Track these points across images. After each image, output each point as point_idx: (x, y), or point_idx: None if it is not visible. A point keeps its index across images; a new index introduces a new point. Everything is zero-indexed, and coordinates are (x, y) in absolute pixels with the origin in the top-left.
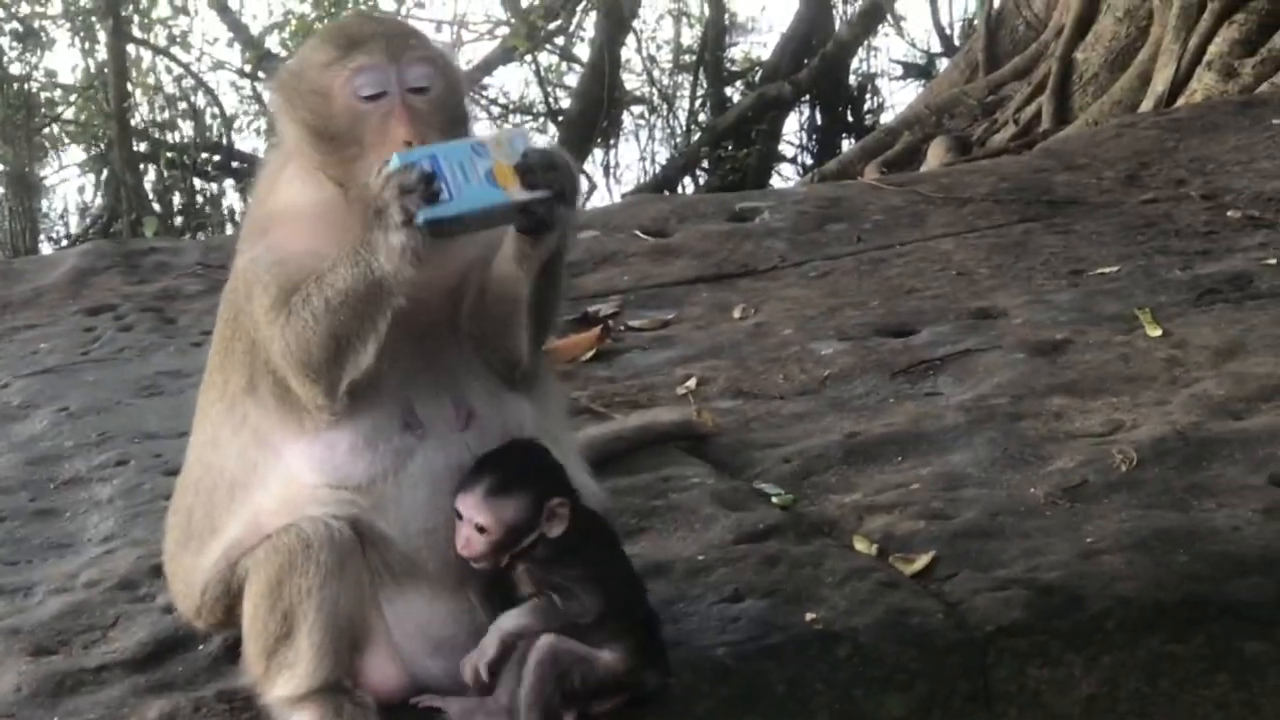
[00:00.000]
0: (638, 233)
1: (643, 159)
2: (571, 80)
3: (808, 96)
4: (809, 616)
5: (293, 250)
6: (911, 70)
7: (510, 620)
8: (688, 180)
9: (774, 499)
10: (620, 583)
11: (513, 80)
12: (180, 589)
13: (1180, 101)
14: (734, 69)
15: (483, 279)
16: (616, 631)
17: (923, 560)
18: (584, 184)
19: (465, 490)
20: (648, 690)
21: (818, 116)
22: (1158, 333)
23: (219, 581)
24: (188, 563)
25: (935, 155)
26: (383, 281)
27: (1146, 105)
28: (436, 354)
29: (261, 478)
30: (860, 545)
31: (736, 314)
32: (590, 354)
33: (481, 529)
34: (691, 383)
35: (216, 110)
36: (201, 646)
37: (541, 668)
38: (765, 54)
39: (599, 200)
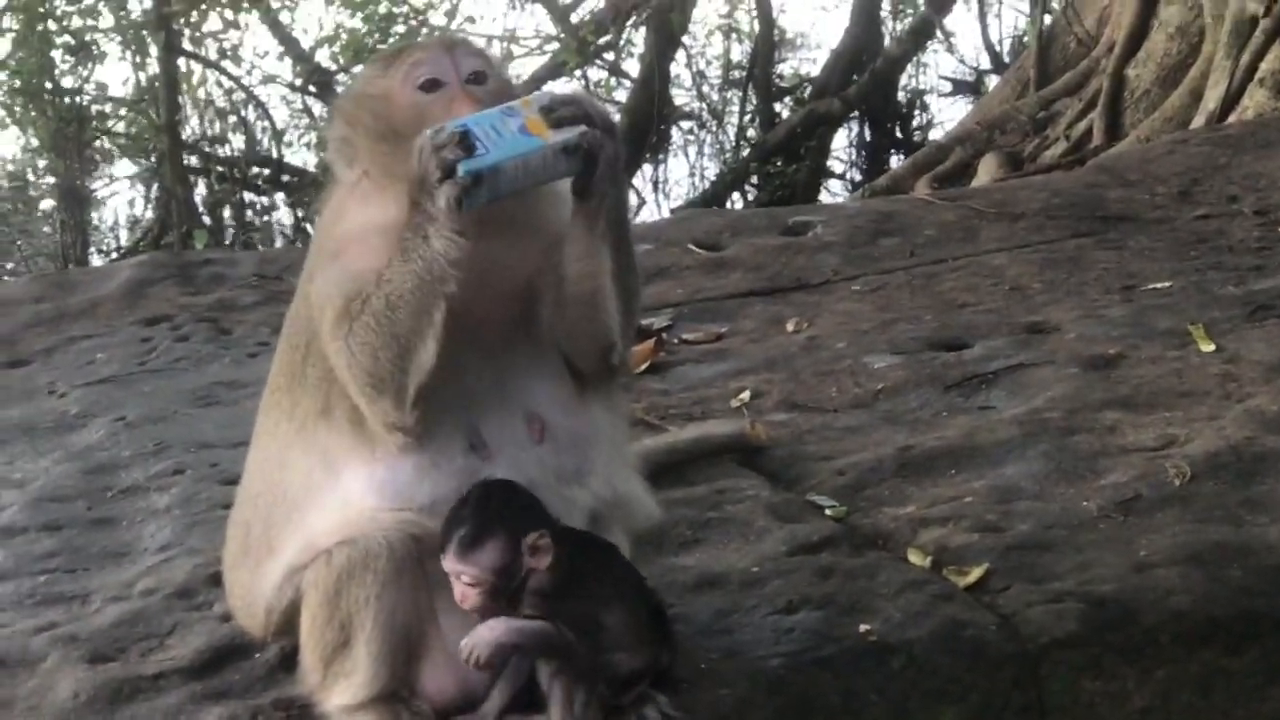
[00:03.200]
0: (691, 246)
1: (692, 174)
2: (621, 95)
3: (857, 113)
4: (863, 628)
5: (361, 268)
6: (961, 87)
7: (514, 634)
8: (736, 196)
9: (828, 511)
10: (626, 592)
11: None
12: (240, 604)
13: (1232, 118)
14: (783, 85)
15: (558, 268)
16: (630, 632)
17: (977, 573)
18: (632, 197)
19: (445, 548)
20: (664, 665)
21: (867, 133)
22: (1211, 348)
23: (279, 602)
24: (245, 578)
25: (986, 171)
26: (434, 263)
27: (1198, 122)
28: (506, 369)
29: (320, 501)
30: (914, 557)
31: (790, 327)
32: (644, 367)
33: (471, 582)
34: (745, 395)
35: (267, 124)
36: (258, 655)
37: (566, 689)
38: (815, 70)
39: (648, 215)
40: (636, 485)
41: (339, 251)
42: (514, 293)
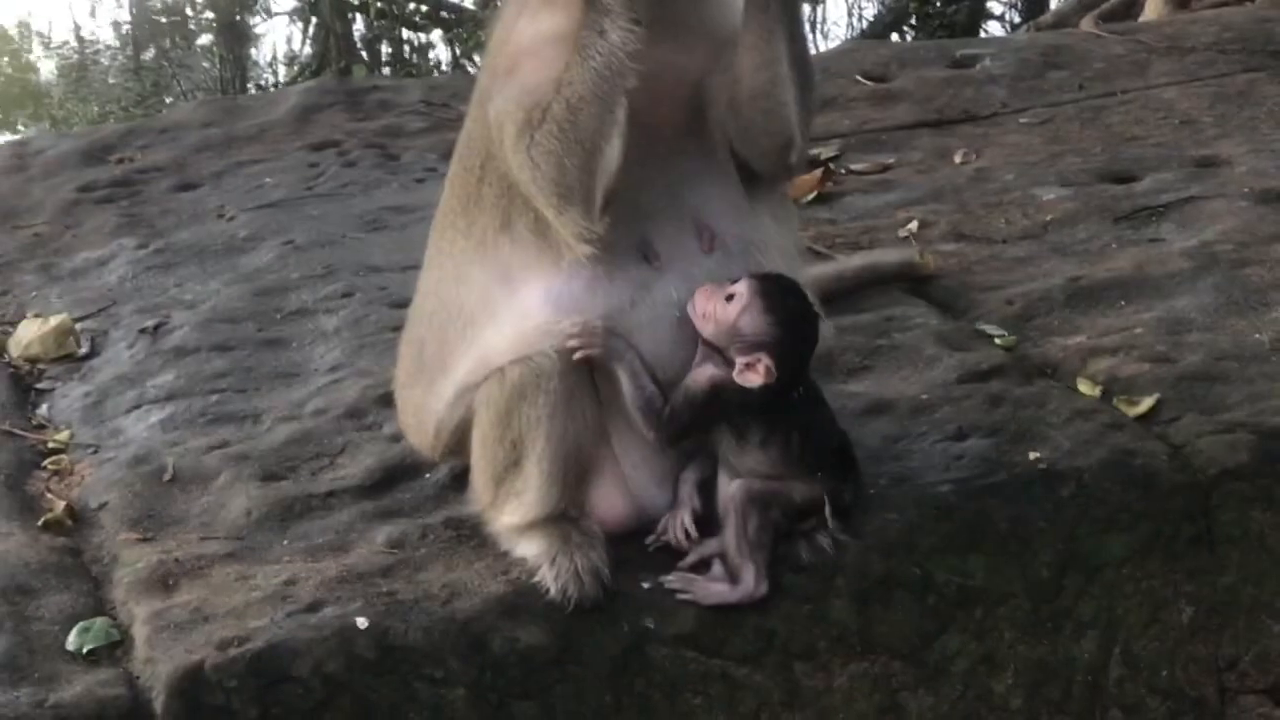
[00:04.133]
0: (859, 78)
1: (850, 15)
2: None
3: None
4: (1032, 456)
5: (539, 79)
6: None
7: (695, 471)
8: (895, 37)
9: (997, 340)
10: (814, 423)
11: None
12: (411, 422)
13: None
14: None
15: (729, 69)
16: (809, 465)
17: (1147, 403)
18: None
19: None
20: (845, 504)
21: None
22: None
23: (451, 420)
24: (418, 397)
25: (1153, 9)
26: (613, 56)
27: None
28: (677, 178)
29: (496, 316)
30: (1084, 387)
31: (957, 159)
32: (812, 196)
33: (711, 315)
34: (913, 225)
35: None
36: (428, 475)
37: (741, 513)
38: None
39: (811, 50)
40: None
41: (512, 67)
42: (685, 98)
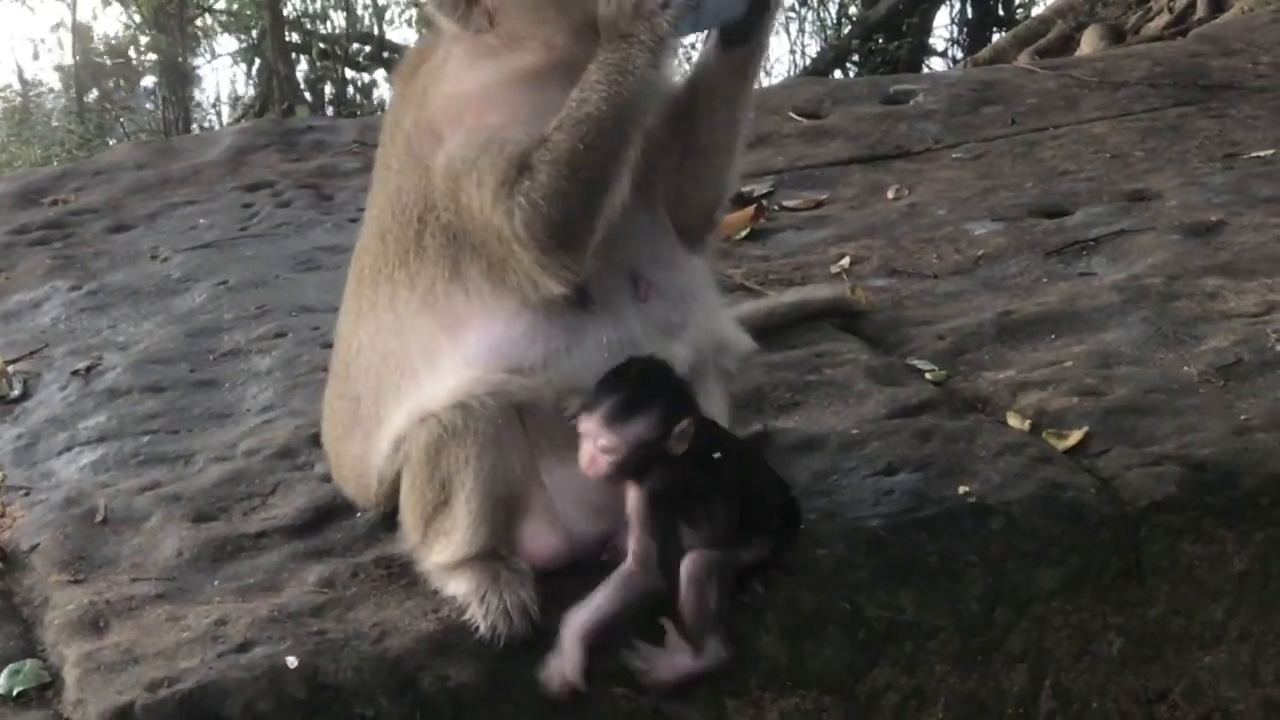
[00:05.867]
0: (792, 114)
1: (793, 51)
2: None
3: None
4: (962, 490)
5: (501, 126)
6: None
7: (581, 619)
8: (838, 73)
9: (928, 375)
10: (753, 487)
11: None
12: (349, 475)
13: None
14: None
15: (689, 123)
16: (753, 529)
17: (1076, 436)
18: None
19: (590, 410)
20: (788, 564)
21: (968, 10)
22: None
23: (390, 470)
24: (356, 450)
25: (1089, 43)
26: (641, 94)
27: None
28: (618, 228)
29: (437, 366)
30: (1013, 421)
31: (890, 194)
32: (745, 232)
33: (606, 449)
34: (845, 261)
35: (369, 0)
36: (360, 514)
37: (698, 585)
38: None
39: None
40: (728, 325)
41: (459, 117)
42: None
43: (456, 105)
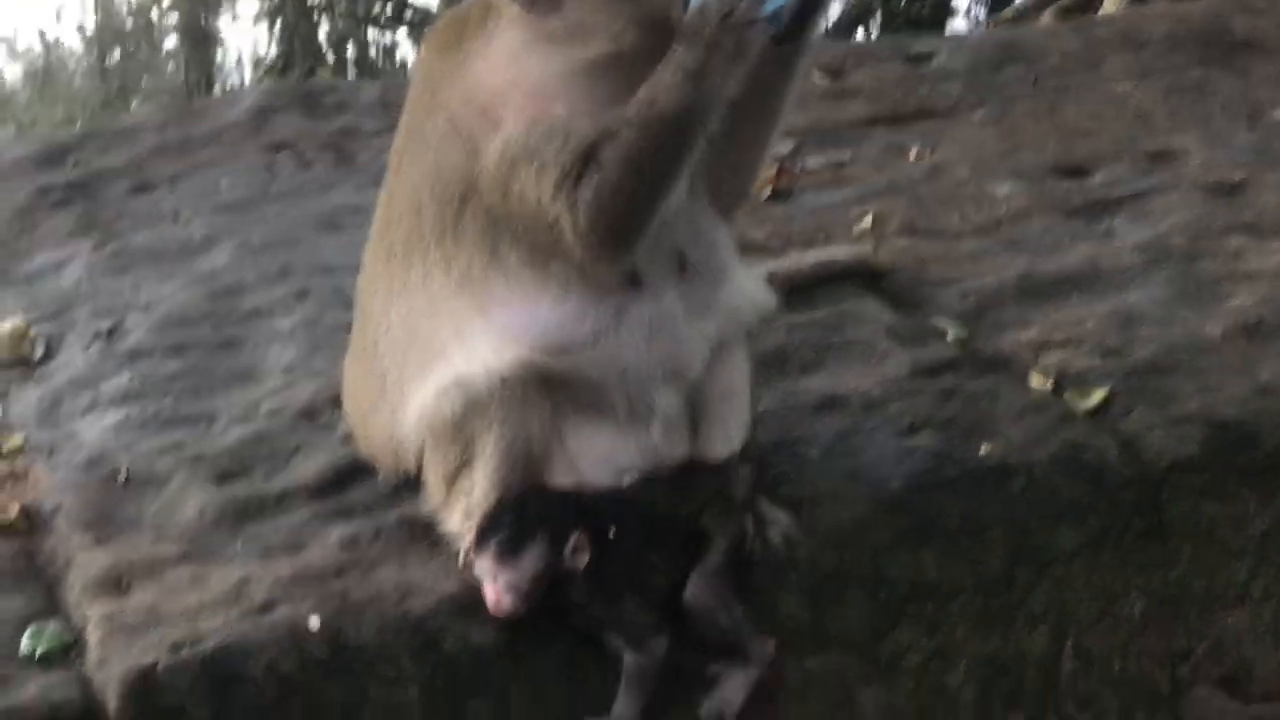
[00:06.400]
0: (814, 75)
1: None
2: None
3: None
4: (984, 450)
5: (568, 118)
6: None
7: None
8: (860, 33)
9: (950, 335)
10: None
11: None
12: (380, 450)
13: None
14: None
15: (732, 114)
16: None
17: (1098, 396)
18: None
19: (480, 552)
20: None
21: None
22: None
23: (419, 441)
24: (383, 424)
25: (1111, 3)
26: (714, 102)
27: None
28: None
29: (469, 346)
30: (1035, 381)
31: (912, 155)
32: (767, 193)
33: (509, 586)
34: (867, 221)
35: None
36: (381, 473)
37: (706, 615)
38: None
39: None
40: (752, 285)
41: (536, 102)
42: None
43: (518, 92)
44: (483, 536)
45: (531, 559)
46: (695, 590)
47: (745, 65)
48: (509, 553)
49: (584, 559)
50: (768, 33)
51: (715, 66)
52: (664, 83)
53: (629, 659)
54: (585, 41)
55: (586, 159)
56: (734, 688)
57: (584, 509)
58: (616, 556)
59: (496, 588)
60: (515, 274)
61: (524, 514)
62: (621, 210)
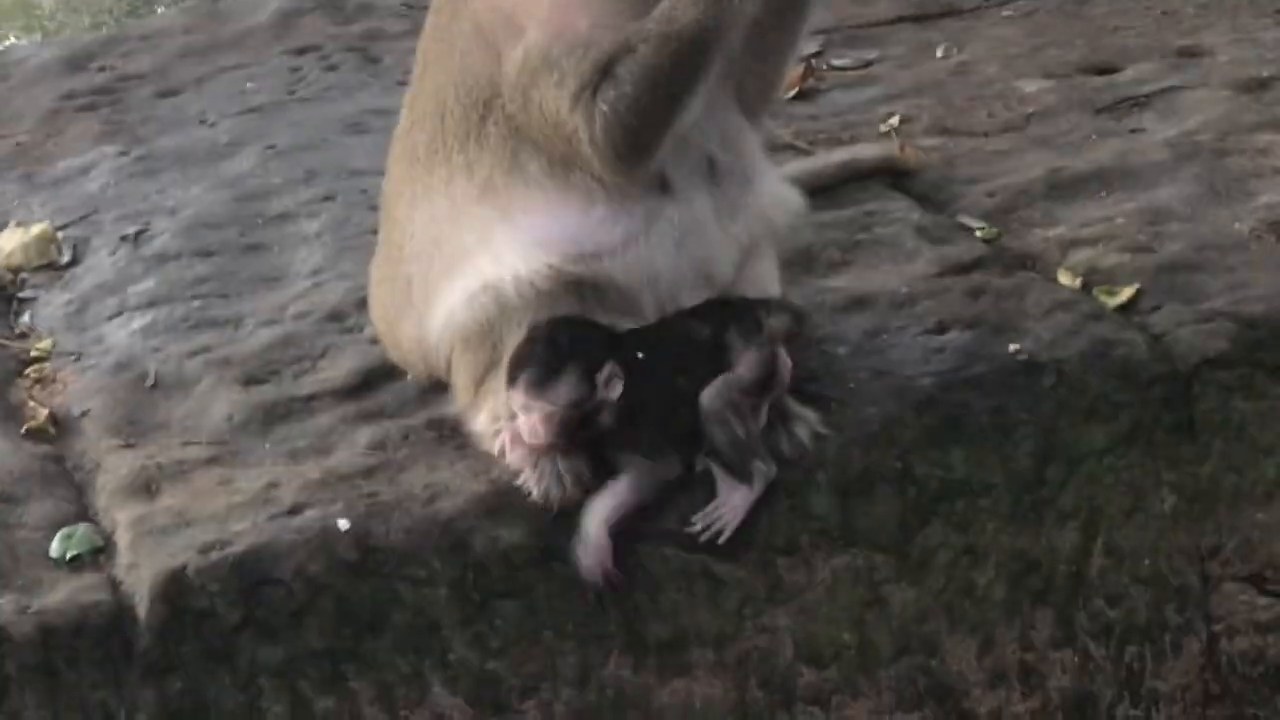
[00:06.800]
0: None
1: None
2: None
3: None
4: (1012, 348)
5: (590, 28)
6: None
7: (604, 507)
8: None
9: (978, 232)
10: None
11: None
12: (409, 356)
13: None
14: None
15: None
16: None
17: (1127, 293)
18: None
19: (514, 386)
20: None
21: None
22: None
23: (448, 345)
24: (410, 329)
25: None
26: (733, 20)
27: None
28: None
29: (496, 253)
30: (1064, 278)
31: (939, 53)
32: (793, 93)
33: (543, 418)
34: (894, 120)
35: None
36: (410, 376)
37: (720, 420)
38: None
39: None
40: (780, 185)
41: (559, 11)
42: None
43: (544, 2)
44: (515, 370)
45: (565, 389)
46: (713, 395)
47: None
48: (542, 383)
49: (618, 389)
50: None
51: None
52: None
53: (634, 465)
54: None
55: (604, 72)
56: (732, 506)
57: (615, 339)
58: (645, 385)
59: (531, 420)
60: (537, 182)
61: (556, 346)
62: (637, 124)
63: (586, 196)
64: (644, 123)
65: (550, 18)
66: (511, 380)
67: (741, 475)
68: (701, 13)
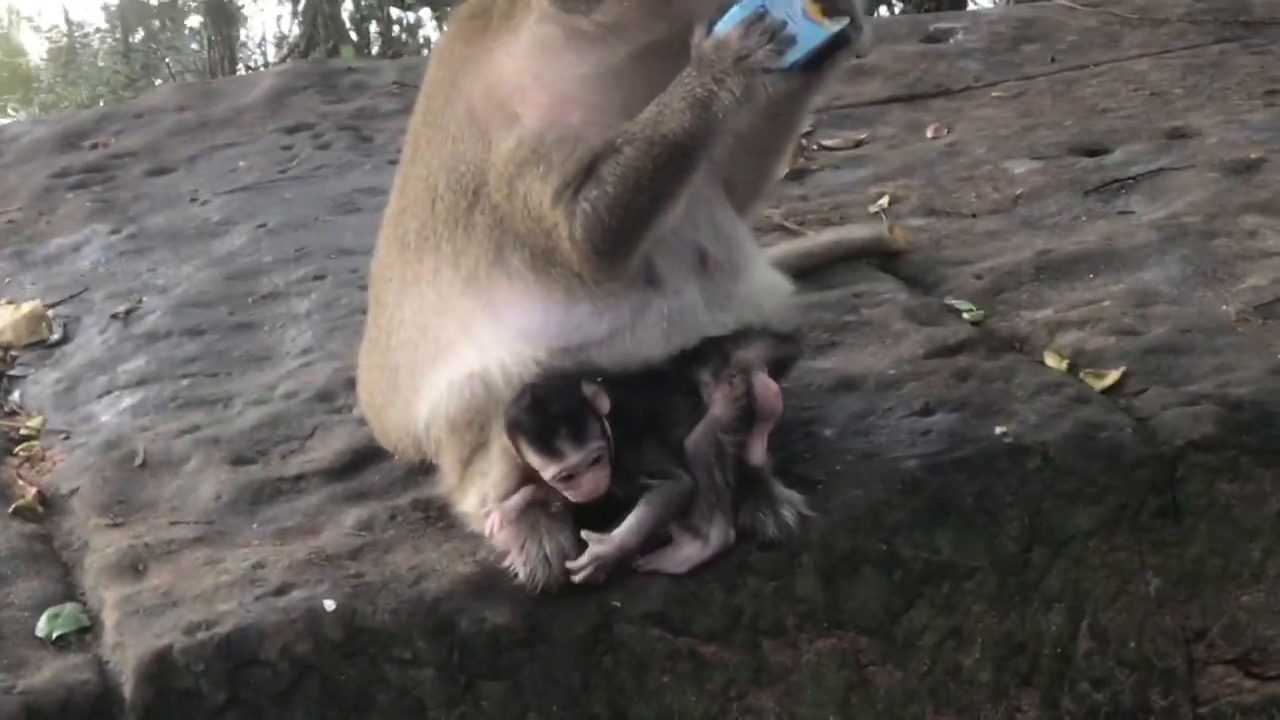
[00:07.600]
0: None
1: None
2: None
3: None
4: (999, 430)
5: (581, 125)
6: None
7: (625, 531)
8: (883, 10)
9: (965, 314)
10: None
11: None
12: (402, 439)
13: None
14: None
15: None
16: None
17: (1113, 375)
18: None
19: (552, 456)
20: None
21: None
22: None
23: (434, 436)
24: (398, 415)
25: None
26: (719, 132)
27: None
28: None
29: (481, 346)
30: (1051, 360)
31: (929, 133)
32: (784, 172)
33: (595, 458)
34: (884, 201)
35: None
36: (397, 457)
37: (704, 467)
38: None
39: None
40: (769, 274)
41: (556, 106)
42: None
43: (538, 91)
44: (544, 442)
45: (595, 429)
46: (695, 439)
47: (753, 107)
48: (579, 436)
49: (605, 404)
50: (779, 84)
51: (722, 102)
52: (671, 106)
53: (654, 489)
54: (612, 43)
55: (589, 170)
56: (681, 558)
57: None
58: (631, 409)
59: (594, 475)
60: (520, 275)
61: (546, 404)
62: (616, 225)
63: (569, 291)
64: (623, 223)
65: (545, 107)
66: (549, 455)
67: (700, 534)
68: (689, 121)
